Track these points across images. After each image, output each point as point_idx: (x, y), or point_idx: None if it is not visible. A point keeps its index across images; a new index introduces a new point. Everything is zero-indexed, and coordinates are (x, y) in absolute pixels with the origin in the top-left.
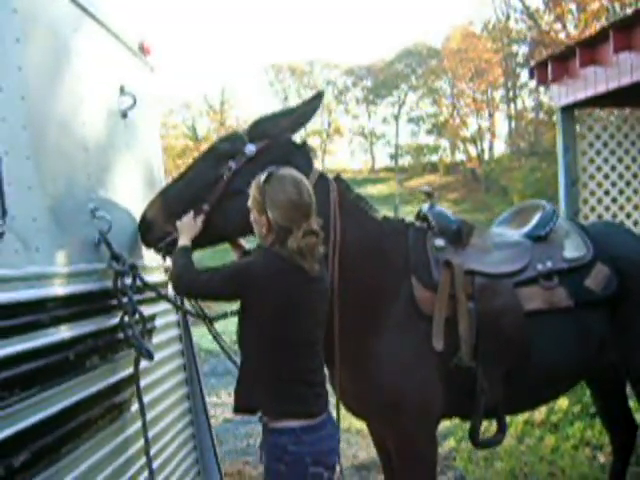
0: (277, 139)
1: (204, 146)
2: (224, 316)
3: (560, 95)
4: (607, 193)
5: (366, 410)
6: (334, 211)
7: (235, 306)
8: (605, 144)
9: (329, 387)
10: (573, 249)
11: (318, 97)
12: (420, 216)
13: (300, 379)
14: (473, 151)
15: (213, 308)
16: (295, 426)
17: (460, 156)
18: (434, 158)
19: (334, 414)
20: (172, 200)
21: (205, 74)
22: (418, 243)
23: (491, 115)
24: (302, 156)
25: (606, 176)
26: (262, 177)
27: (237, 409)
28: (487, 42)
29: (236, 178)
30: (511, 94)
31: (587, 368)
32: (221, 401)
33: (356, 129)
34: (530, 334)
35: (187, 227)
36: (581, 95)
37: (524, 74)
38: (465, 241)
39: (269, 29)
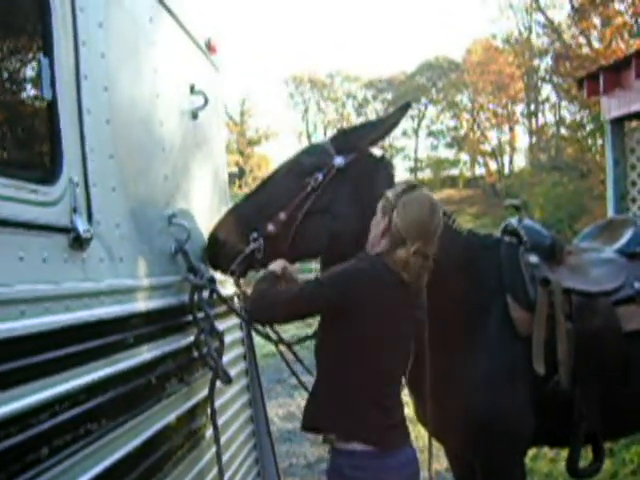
0: (364, 152)
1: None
2: (305, 339)
3: (610, 107)
4: None
5: (452, 432)
6: None
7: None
8: None
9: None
10: None
11: (404, 108)
12: (508, 230)
13: (376, 404)
14: (493, 165)
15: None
16: (357, 449)
17: (480, 170)
18: (454, 172)
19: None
20: (247, 216)
21: (225, 84)
22: (511, 260)
23: (511, 129)
24: (385, 170)
25: None
26: (403, 186)
27: (304, 426)
28: (509, 56)
29: (323, 190)
30: (532, 108)
31: None
32: None
33: None
34: (629, 356)
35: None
36: (636, 107)
37: (545, 88)
38: (559, 257)
39: (290, 40)
